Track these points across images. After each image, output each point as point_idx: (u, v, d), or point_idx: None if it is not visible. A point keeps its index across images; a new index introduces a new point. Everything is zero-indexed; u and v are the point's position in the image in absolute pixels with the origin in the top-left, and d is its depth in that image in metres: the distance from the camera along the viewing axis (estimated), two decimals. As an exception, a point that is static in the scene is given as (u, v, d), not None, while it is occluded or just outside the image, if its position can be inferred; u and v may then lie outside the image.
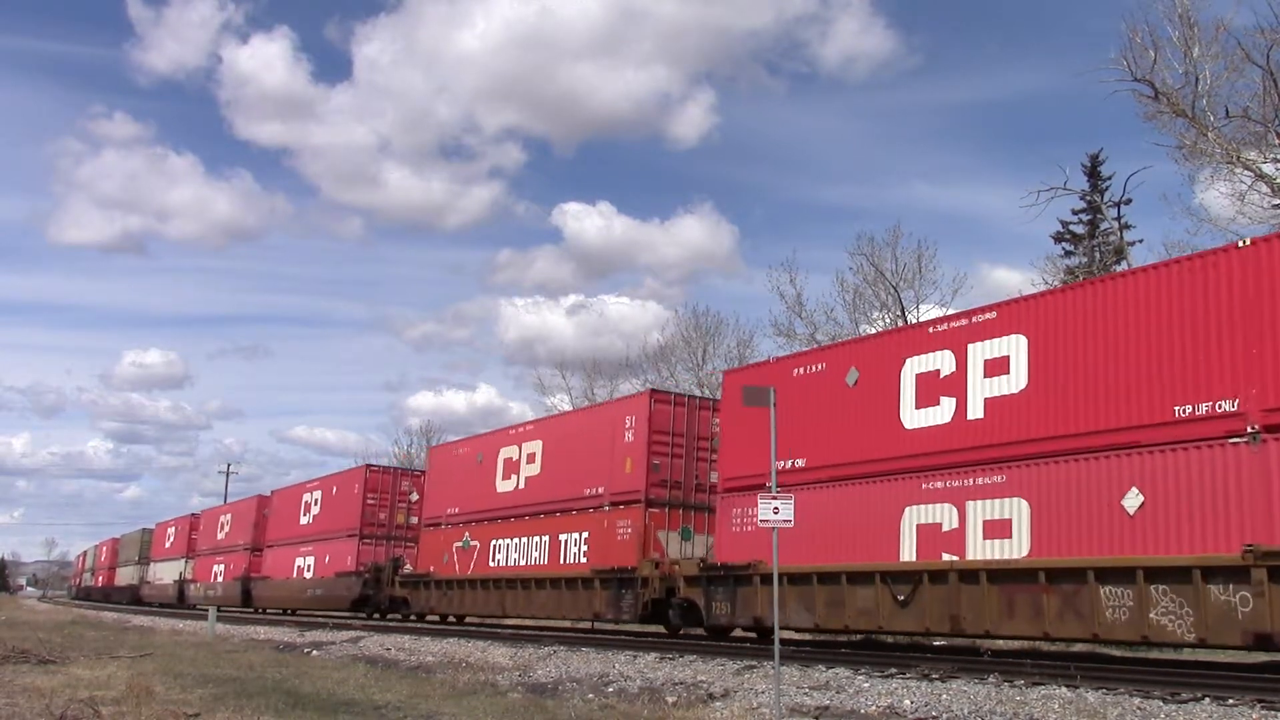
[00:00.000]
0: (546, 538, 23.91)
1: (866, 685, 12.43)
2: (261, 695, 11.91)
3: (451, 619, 30.51)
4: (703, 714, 11.34)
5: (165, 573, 57.66)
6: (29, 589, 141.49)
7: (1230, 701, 10.12)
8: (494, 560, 25.86)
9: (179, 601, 52.12)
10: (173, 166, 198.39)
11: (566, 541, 23.20)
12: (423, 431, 71.03)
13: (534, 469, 25.17)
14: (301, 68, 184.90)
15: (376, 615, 32.98)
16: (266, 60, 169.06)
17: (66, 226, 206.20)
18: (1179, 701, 10.25)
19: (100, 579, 77.72)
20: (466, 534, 27.41)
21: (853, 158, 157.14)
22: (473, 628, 26.63)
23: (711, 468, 20.84)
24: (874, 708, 11.18)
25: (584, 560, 22.31)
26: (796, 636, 19.05)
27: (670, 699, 12.47)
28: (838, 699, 11.72)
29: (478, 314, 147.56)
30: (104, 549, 79.02)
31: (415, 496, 33.85)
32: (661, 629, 21.72)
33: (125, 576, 67.45)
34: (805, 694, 12.14)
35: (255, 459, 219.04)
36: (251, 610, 42.53)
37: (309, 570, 37.37)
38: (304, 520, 38.83)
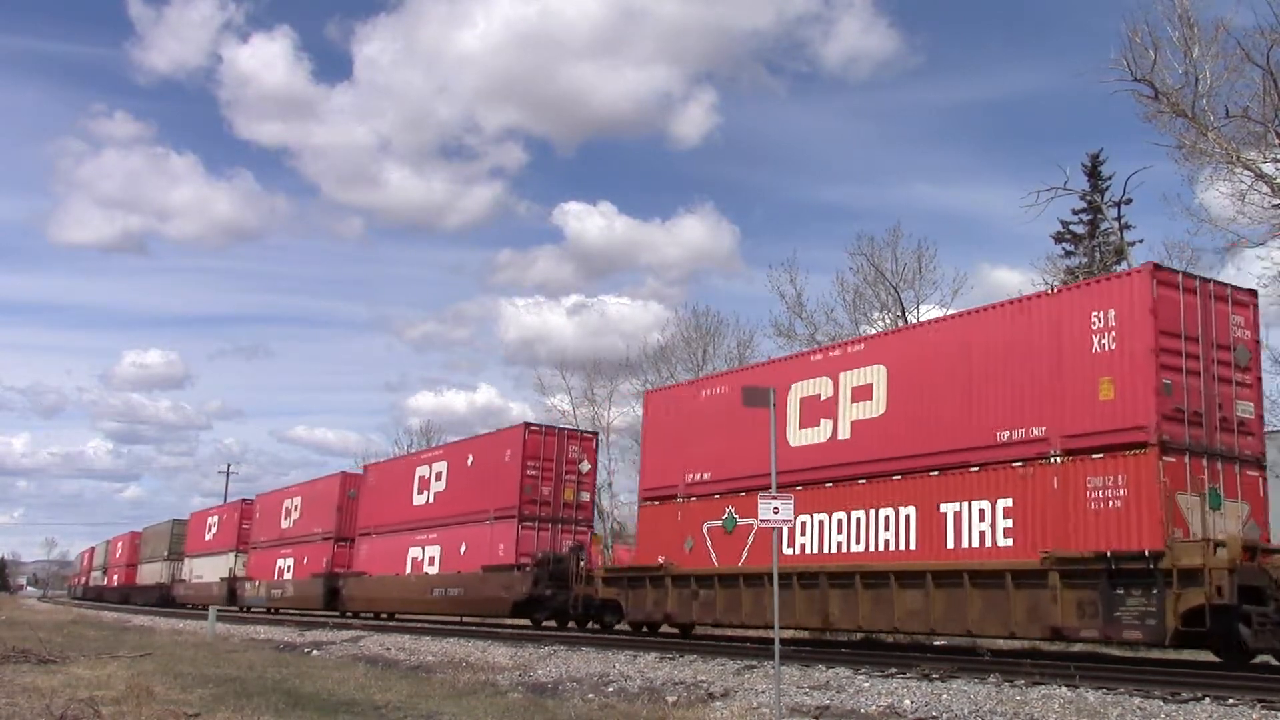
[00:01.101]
0: (910, 510, 16.34)
1: (867, 685, 12.43)
2: (261, 695, 11.91)
3: (643, 628, 22.75)
4: (703, 714, 11.34)
5: (207, 569, 49.56)
6: (29, 589, 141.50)
7: (1230, 701, 10.13)
8: (793, 547, 18.26)
9: (230, 603, 43.55)
10: (173, 166, 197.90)
11: (957, 514, 15.58)
12: (423, 432, 70.84)
13: (869, 408, 17.72)
14: (302, 67, 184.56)
15: (551, 624, 25.35)
16: (267, 60, 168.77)
17: (67, 226, 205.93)
18: (1179, 701, 10.26)
19: (116, 577, 70.82)
20: (729, 509, 20.02)
21: (854, 157, 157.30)
22: (473, 627, 26.51)
23: (1237, 394, 14.42)
24: (874, 708, 11.19)
25: (1006, 542, 14.82)
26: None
27: (670, 699, 12.48)
28: (838, 699, 11.73)
29: (478, 314, 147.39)
30: (120, 544, 71.83)
31: (586, 466, 27.22)
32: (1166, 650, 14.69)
33: (150, 575, 59.85)
34: (805, 694, 12.15)
35: (255, 459, 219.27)
36: (339, 614, 34.59)
37: (432, 564, 29.54)
38: (420, 500, 31.14)
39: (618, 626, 23.79)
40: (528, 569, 24.79)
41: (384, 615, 34.19)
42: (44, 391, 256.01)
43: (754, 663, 15.18)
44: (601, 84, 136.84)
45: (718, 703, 12.12)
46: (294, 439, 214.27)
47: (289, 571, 39.57)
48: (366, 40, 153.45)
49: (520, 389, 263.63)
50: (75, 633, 25.49)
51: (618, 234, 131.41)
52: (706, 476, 20.89)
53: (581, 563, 24.52)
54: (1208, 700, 10.26)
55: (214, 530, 50.12)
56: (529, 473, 25.90)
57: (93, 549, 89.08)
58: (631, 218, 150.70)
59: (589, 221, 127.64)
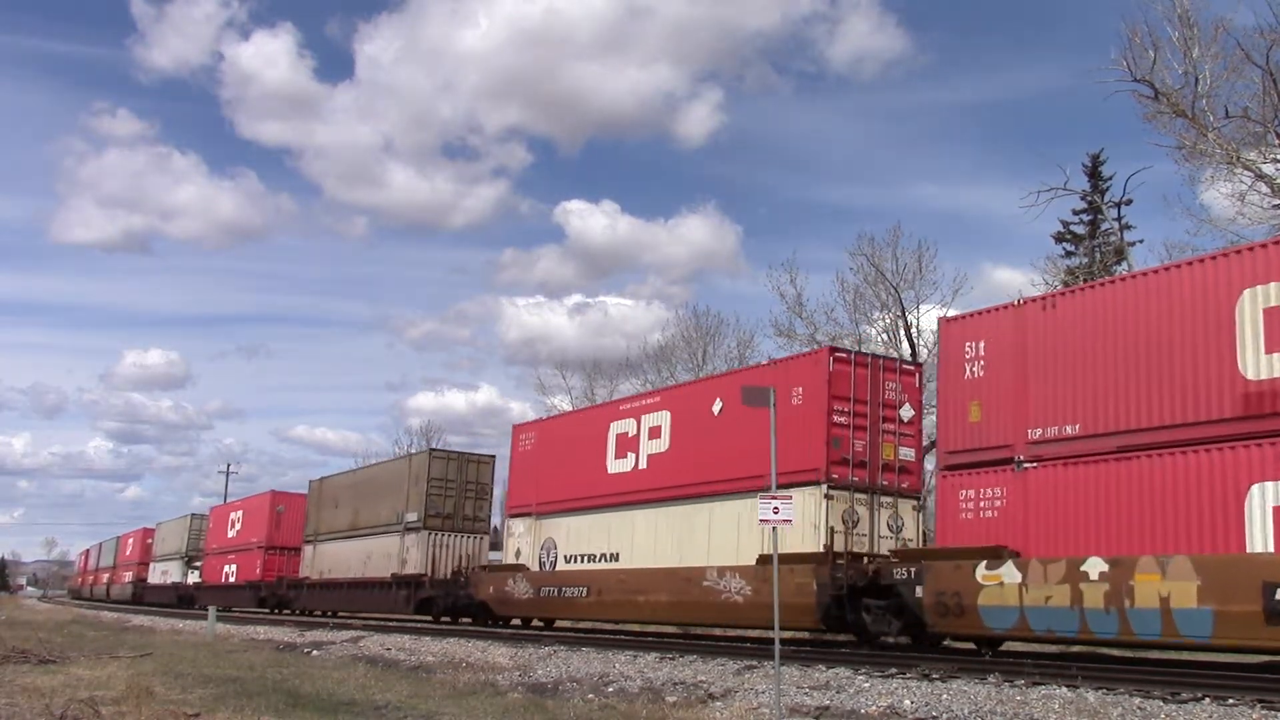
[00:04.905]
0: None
1: (867, 685, 12.43)
2: (262, 695, 11.91)
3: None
4: (703, 714, 11.33)
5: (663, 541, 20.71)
6: (29, 589, 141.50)
7: (1230, 701, 10.12)
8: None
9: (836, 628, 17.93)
10: (176, 165, 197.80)
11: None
12: (423, 431, 70.37)
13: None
14: (304, 65, 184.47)
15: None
16: (269, 57, 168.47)
17: (69, 226, 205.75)
18: (1179, 701, 10.26)
19: (233, 569, 44.52)
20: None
21: (856, 157, 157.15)
22: (471, 627, 26.50)
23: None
24: (874, 708, 11.18)
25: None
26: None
27: (670, 699, 12.47)
28: (838, 699, 11.72)
29: (479, 314, 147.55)
30: (241, 513, 45.22)
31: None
32: None
33: (362, 558, 32.32)
34: (805, 694, 12.15)
35: (256, 459, 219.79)
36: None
37: None
38: None
39: None
40: None
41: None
42: (45, 391, 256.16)
43: (754, 663, 15.18)
44: (605, 83, 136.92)
45: (718, 703, 12.12)
46: (295, 438, 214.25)
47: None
48: (369, 39, 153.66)
49: (521, 389, 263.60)
50: (75, 633, 25.48)
51: (620, 233, 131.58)
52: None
53: None
54: (1208, 700, 10.26)
55: (655, 438, 21.40)
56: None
57: (149, 530, 62.33)
58: (634, 217, 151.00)
59: (592, 221, 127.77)
